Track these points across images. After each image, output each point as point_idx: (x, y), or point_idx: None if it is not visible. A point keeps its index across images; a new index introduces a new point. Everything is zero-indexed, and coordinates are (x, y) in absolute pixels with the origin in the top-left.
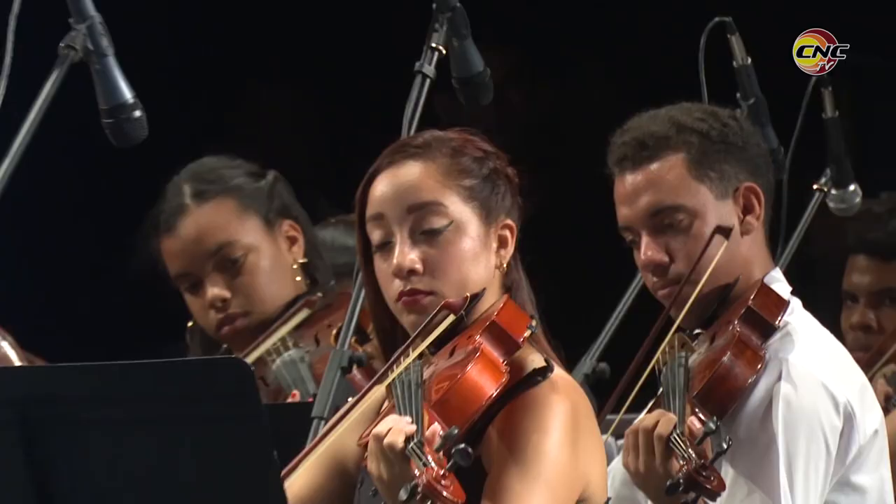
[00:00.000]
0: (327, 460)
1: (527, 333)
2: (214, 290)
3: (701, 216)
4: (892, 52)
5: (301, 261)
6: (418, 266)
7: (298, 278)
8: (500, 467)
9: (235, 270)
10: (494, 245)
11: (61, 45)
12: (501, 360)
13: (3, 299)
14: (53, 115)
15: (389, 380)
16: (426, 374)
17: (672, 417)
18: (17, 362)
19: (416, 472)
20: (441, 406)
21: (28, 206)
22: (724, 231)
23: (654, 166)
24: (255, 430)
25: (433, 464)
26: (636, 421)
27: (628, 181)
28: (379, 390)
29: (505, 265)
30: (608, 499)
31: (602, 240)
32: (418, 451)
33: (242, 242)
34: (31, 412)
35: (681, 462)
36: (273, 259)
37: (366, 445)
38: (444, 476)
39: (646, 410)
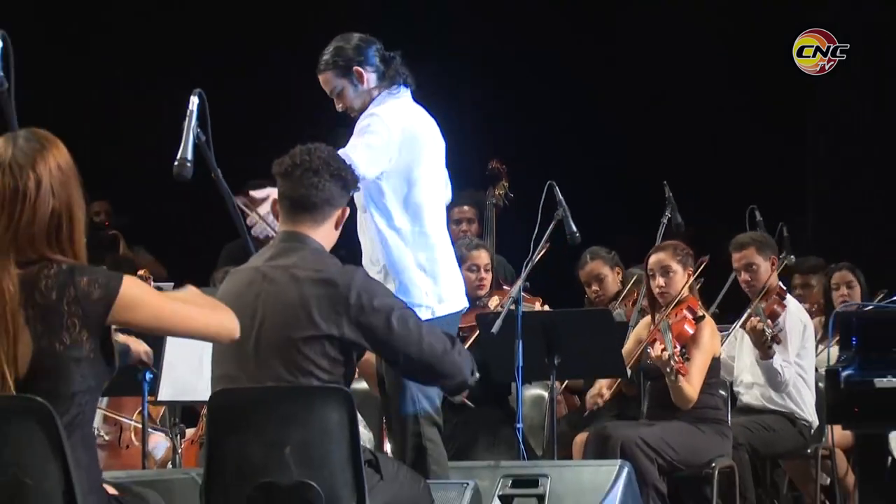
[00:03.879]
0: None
1: (698, 307)
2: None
3: (759, 267)
4: None
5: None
6: (663, 284)
7: None
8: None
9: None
10: (689, 272)
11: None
12: (692, 317)
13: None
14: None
15: (659, 322)
16: (671, 320)
17: (761, 321)
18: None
19: (672, 363)
20: (677, 338)
21: None
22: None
23: (746, 251)
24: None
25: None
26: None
27: (736, 255)
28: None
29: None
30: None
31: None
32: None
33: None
34: (547, 322)
35: (768, 334)
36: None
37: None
38: (683, 365)
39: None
